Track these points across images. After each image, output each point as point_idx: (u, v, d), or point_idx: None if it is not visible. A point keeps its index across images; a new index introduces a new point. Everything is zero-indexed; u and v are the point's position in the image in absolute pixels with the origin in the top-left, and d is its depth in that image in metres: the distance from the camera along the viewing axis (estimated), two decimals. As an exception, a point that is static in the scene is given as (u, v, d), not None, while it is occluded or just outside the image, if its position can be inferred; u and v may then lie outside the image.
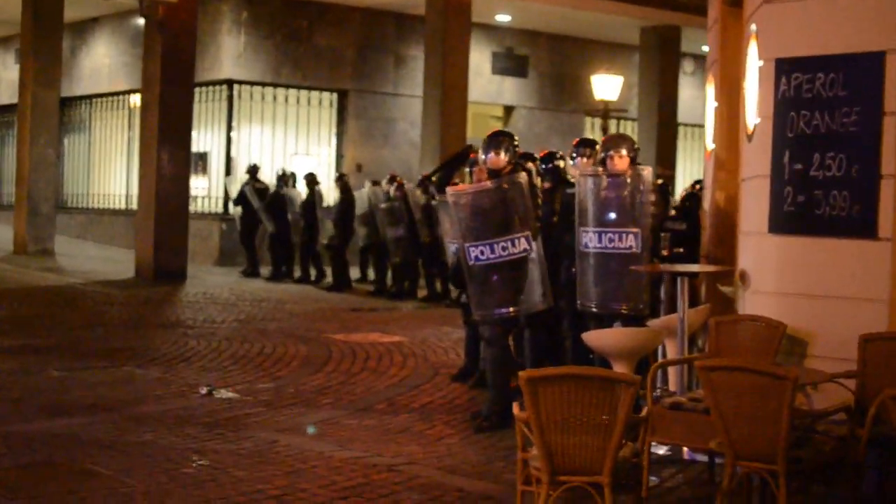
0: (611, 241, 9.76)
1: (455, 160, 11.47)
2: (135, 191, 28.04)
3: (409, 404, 10.95)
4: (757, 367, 6.35)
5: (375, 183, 22.35)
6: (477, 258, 9.60)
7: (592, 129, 32.32)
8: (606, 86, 26.24)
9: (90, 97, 31.61)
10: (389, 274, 21.45)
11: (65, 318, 16.45)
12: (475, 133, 27.88)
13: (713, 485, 7.98)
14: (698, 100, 33.91)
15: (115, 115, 30.92)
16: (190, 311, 17.55)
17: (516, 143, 10.18)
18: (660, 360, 9.73)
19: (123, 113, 30.51)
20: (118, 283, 21.25)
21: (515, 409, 6.40)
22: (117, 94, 30.56)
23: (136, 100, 29.19)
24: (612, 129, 28.81)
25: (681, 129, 32.07)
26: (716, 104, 11.43)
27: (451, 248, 11.52)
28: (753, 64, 8.98)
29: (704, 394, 6.55)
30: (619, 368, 8.12)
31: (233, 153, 27.19)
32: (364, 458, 8.70)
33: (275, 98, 27.78)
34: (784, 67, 8.42)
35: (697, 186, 16.06)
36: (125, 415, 10.03)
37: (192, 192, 24.25)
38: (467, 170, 11.66)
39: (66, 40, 28.17)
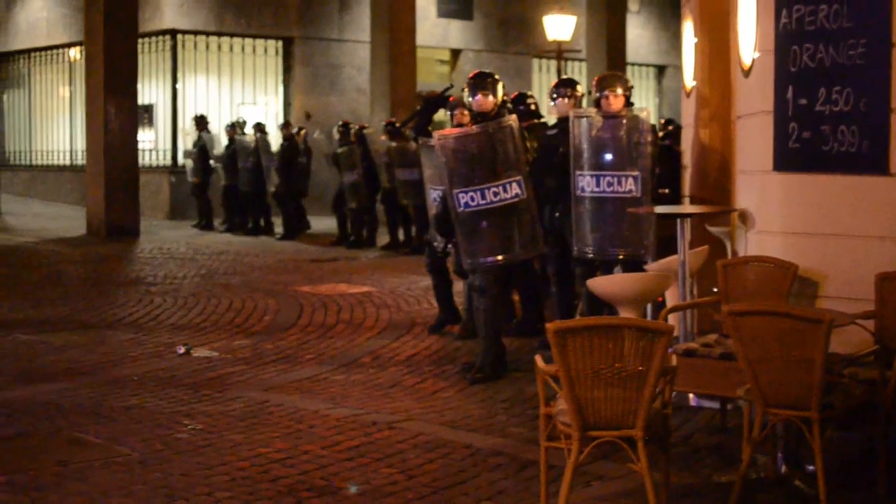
0: (609, 185, 9.45)
1: (433, 104, 11.05)
2: (79, 146, 27.54)
3: (394, 357, 10.66)
4: (790, 312, 6.09)
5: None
6: (466, 204, 9.27)
7: (540, 71, 32.03)
8: (559, 26, 25.84)
9: (28, 51, 30.84)
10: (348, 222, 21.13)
11: (22, 279, 15.98)
12: (423, 77, 27.54)
13: (726, 431, 7.78)
14: (643, 38, 33.80)
15: (55, 69, 30.23)
16: (149, 268, 17.13)
17: (501, 83, 9.86)
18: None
19: (63, 67, 29.84)
20: (71, 241, 20.76)
21: (539, 361, 6.11)
22: (57, 47, 29.85)
23: (75, 53, 28.60)
24: (562, 71, 28.49)
25: (629, 69, 31.77)
26: (695, 40, 11.17)
27: (432, 194, 11.15)
28: (749, -4, 8.69)
29: (732, 340, 6.30)
30: (627, 315, 7.85)
31: (178, 105, 26.65)
32: (361, 415, 8.40)
33: (219, 47, 27.25)
34: (785, -1, 8.13)
35: (670, 126, 15.83)
36: (104, 379, 9.65)
37: (139, 145, 23.67)
38: (448, 113, 11.28)
39: (0, -6, 27.50)
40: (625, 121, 9.47)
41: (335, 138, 21.44)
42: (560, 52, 25.95)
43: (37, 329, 11.95)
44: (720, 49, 10.52)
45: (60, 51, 29.81)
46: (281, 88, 28.19)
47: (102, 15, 21.46)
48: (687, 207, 9.45)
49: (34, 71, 30.96)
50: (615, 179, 9.41)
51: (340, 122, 21.57)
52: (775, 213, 8.27)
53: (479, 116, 9.69)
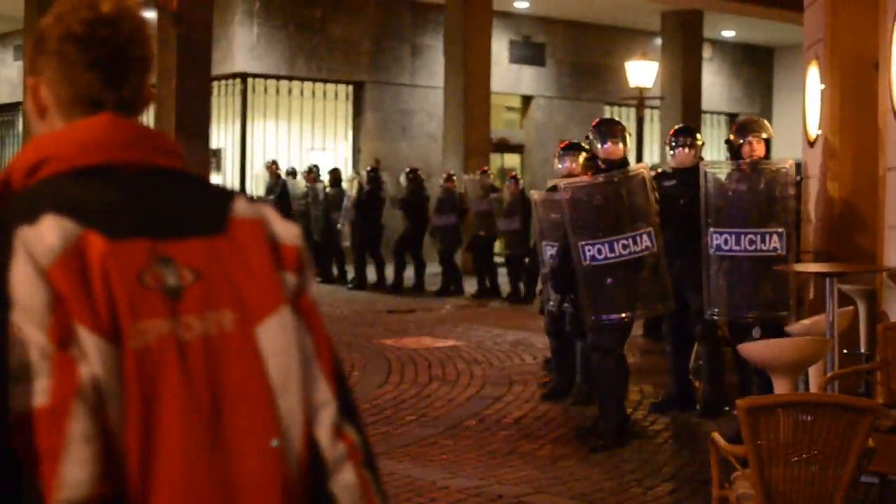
0: (751, 243, 8.69)
1: None
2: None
3: (502, 420, 9.99)
4: None
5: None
6: (593, 258, 8.63)
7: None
8: (641, 72, 25.16)
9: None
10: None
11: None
12: (495, 125, 27.03)
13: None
14: (715, 86, 33.12)
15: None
16: (224, 317, 16.54)
17: (628, 131, 9.26)
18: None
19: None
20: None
21: (718, 439, 5.45)
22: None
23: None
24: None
25: (702, 117, 31.06)
26: (822, 86, 10.52)
27: (547, 251, 10.43)
28: (909, 39, 8.04)
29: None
30: (782, 383, 7.17)
31: (247, 149, 26.23)
32: (484, 487, 7.73)
33: (289, 91, 26.82)
34: (955, 41, 7.49)
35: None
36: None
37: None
38: (558, 165, 10.69)
39: (70, 34, 27.11)
40: (766, 171, 8.78)
41: (402, 185, 20.99)
42: (641, 99, 25.26)
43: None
44: (853, 95, 9.88)
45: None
46: (350, 134, 27.70)
47: (175, 57, 21.01)
48: (832, 266, 8.72)
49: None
50: (758, 237, 8.66)
51: (408, 169, 21.15)
52: (939, 273, 7.59)
53: (606, 164, 9.06)
